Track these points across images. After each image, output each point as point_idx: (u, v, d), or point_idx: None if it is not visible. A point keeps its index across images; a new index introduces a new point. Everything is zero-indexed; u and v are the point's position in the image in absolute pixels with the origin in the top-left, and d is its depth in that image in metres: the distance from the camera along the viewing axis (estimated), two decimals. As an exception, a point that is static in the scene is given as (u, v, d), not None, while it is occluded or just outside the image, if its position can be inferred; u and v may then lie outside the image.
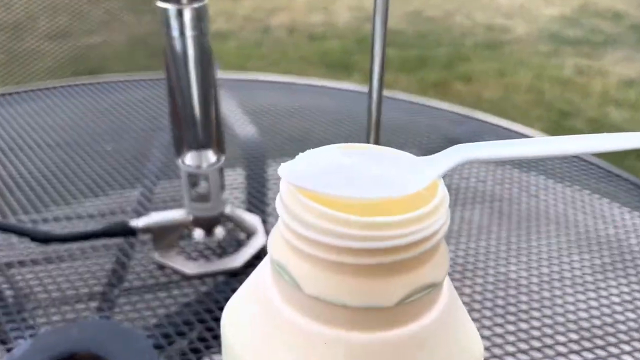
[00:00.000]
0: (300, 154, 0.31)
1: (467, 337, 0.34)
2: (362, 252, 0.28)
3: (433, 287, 0.31)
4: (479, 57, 4.10)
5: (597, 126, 3.15)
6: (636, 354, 0.62)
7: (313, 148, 0.32)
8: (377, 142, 0.62)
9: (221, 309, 0.43)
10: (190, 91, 0.64)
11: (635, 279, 0.72)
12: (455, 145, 0.32)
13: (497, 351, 0.62)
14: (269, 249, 0.32)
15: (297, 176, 0.30)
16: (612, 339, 0.64)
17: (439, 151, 0.32)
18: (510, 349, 0.63)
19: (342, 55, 4.02)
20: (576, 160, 0.96)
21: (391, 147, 0.34)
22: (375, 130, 0.61)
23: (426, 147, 1.00)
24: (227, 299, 0.36)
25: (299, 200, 0.29)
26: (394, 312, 0.30)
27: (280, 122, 1.10)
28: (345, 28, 4.49)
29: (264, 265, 0.34)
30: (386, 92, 0.60)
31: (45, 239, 0.71)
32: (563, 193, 0.89)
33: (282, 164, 0.31)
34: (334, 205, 0.29)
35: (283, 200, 0.30)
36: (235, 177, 0.91)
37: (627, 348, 0.63)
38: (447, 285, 0.33)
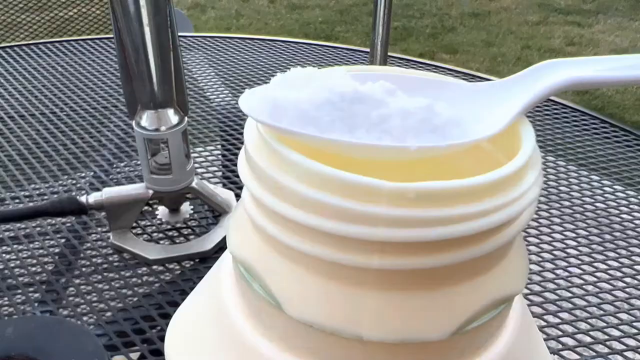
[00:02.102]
0: (279, 74, 0.18)
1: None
2: (401, 249, 0.16)
3: (506, 304, 0.18)
4: (466, 27, 4.02)
5: (589, 99, 3.07)
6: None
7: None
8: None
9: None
10: (143, 35, 0.51)
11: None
12: (542, 63, 0.19)
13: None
14: (228, 242, 0.19)
15: (272, 111, 0.17)
16: (609, 308, 0.54)
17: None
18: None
19: (323, 25, 3.91)
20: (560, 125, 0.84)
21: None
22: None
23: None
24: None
25: (277, 153, 0.16)
26: (445, 347, 0.17)
27: (262, 83, 0.97)
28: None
29: (222, 263, 0.22)
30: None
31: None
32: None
33: (246, 90, 0.18)
34: (337, 163, 0.16)
35: (248, 154, 0.17)
36: (208, 155, 0.78)
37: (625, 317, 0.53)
38: (520, 296, 0.21)
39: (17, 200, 0.67)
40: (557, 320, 0.53)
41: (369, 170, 0.17)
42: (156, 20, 0.51)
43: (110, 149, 0.77)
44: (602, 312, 0.54)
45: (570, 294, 0.55)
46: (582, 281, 0.57)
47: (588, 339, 0.51)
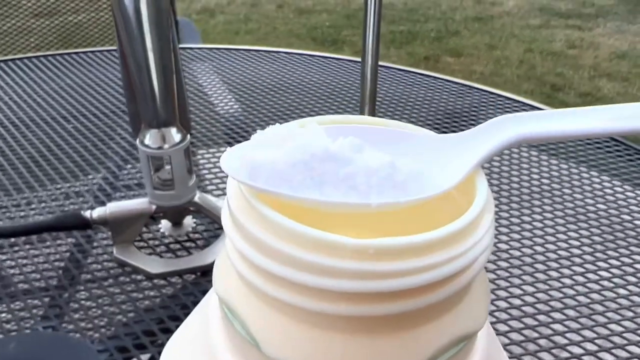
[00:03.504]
0: (258, 132, 0.20)
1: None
2: (364, 297, 0.17)
3: (468, 340, 0.20)
4: (469, 31, 4.06)
5: (589, 100, 3.11)
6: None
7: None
8: (372, 115, 0.51)
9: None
10: (146, 57, 0.53)
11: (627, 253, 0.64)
12: (497, 118, 0.21)
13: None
14: (214, 282, 0.21)
15: (251, 170, 0.18)
16: (614, 316, 0.55)
17: (442, 127, 0.20)
18: (502, 328, 0.54)
19: (331, 29, 3.93)
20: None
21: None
22: (370, 101, 0.50)
23: (426, 121, 0.89)
24: (196, 304, 0.27)
25: (255, 210, 0.18)
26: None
27: (265, 96, 0.98)
28: (334, 2, 4.41)
29: (211, 296, 0.23)
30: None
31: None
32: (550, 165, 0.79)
33: (227, 149, 0.19)
34: (309, 217, 0.18)
35: (231, 209, 0.19)
36: (216, 161, 0.79)
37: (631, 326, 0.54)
38: (485, 328, 0.22)
39: (18, 208, 0.68)
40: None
41: (341, 221, 0.19)
42: (159, 44, 0.53)
43: (115, 161, 0.78)
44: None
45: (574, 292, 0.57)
46: (584, 279, 0.59)
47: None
